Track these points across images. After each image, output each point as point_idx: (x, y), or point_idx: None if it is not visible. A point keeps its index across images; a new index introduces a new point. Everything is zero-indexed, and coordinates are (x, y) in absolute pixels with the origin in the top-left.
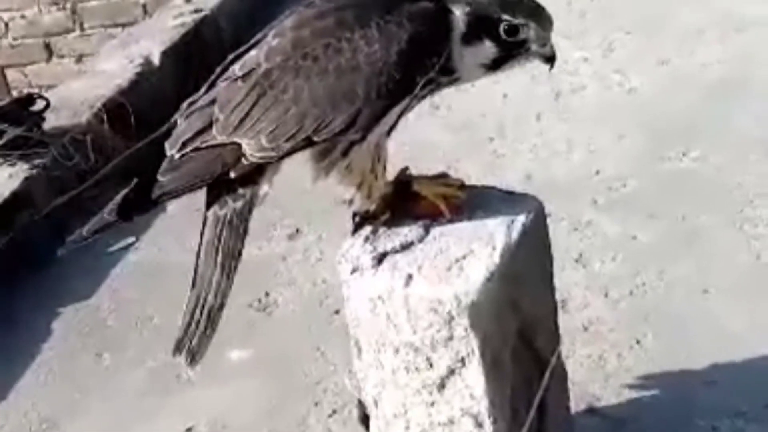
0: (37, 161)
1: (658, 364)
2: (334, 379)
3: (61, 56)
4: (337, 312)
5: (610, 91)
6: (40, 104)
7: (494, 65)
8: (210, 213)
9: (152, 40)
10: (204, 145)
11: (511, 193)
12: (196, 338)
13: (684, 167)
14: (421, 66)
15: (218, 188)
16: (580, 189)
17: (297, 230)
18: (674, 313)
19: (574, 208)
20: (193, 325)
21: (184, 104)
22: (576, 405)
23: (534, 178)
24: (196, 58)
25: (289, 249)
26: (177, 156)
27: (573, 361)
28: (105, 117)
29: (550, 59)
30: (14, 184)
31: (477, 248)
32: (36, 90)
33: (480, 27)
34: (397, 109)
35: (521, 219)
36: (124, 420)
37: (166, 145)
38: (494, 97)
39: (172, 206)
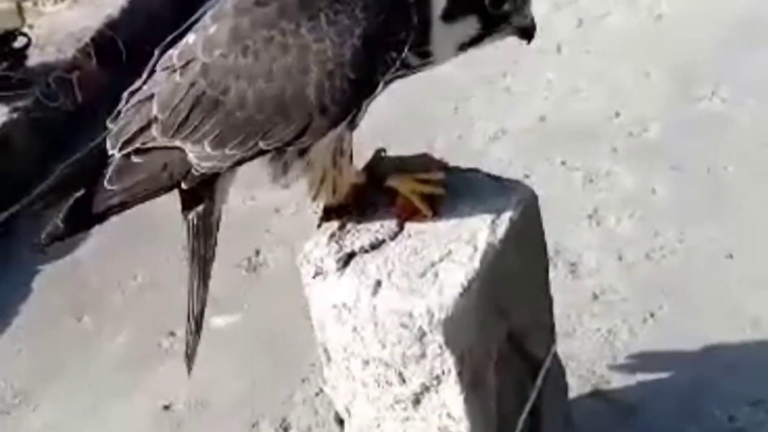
0: (19, 103)
1: (673, 341)
2: None
3: None
4: None
5: (637, 17)
6: (21, 41)
7: (470, 43)
8: (183, 216)
9: None
10: (145, 146)
11: (498, 179)
12: (189, 343)
13: (712, 110)
14: (381, 62)
15: (180, 191)
16: (598, 134)
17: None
18: (693, 282)
19: (591, 157)
20: (187, 331)
21: (126, 93)
22: (580, 387)
23: (548, 119)
24: None
25: (282, 200)
26: (119, 156)
27: (581, 334)
28: (93, 52)
29: (530, 32)
30: None
31: (456, 249)
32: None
33: (463, 1)
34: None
35: (508, 214)
36: (100, 395)
37: (108, 142)
38: None
39: None
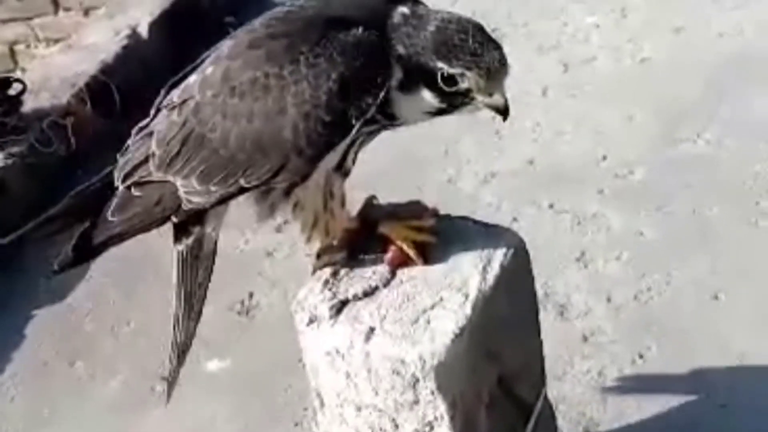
0: (13, 148)
1: (662, 382)
2: None
3: (68, 9)
4: None
5: (621, 63)
6: (16, 88)
7: (440, 113)
8: (173, 248)
9: (140, 9)
10: (142, 180)
11: (488, 226)
12: (171, 375)
13: (696, 152)
14: (356, 106)
15: (173, 225)
16: (585, 176)
17: (285, 221)
18: (680, 323)
19: (578, 199)
20: (169, 362)
21: (135, 129)
22: (571, 429)
23: (536, 162)
24: (190, 27)
25: (275, 243)
26: (121, 189)
27: (571, 376)
28: (87, 98)
29: (502, 112)
30: None
31: (447, 296)
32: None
33: (416, 75)
34: (337, 151)
35: (498, 260)
36: None
37: (115, 174)
38: None
39: None
